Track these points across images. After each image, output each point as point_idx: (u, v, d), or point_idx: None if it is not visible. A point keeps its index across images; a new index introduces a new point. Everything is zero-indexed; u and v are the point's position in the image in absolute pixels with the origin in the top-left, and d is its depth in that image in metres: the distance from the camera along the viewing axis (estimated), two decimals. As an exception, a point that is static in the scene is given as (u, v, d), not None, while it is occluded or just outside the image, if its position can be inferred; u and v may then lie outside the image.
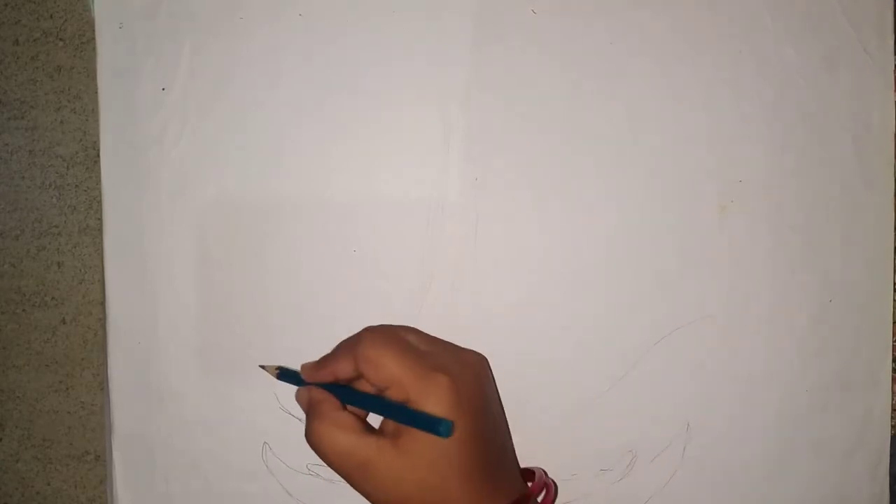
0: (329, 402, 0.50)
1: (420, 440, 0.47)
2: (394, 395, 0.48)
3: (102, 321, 0.57)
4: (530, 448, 0.56)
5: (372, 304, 0.56)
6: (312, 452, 0.54)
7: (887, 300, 0.56)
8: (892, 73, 0.55)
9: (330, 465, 0.49)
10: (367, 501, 0.49)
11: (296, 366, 0.54)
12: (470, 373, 0.50)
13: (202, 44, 0.56)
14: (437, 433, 0.46)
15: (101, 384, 0.58)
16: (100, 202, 0.56)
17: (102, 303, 0.56)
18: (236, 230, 0.56)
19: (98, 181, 0.56)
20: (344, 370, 0.49)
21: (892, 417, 0.56)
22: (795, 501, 0.57)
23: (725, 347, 0.56)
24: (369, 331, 0.50)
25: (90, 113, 0.58)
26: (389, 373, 0.47)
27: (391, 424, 0.48)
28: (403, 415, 0.47)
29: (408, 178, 0.56)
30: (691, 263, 0.56)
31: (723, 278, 0.56)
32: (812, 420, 0.57)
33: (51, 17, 0.58)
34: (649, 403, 0.56)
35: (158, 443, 0.57)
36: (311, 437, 0.49)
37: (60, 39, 0.58)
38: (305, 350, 0.55)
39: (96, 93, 0.56)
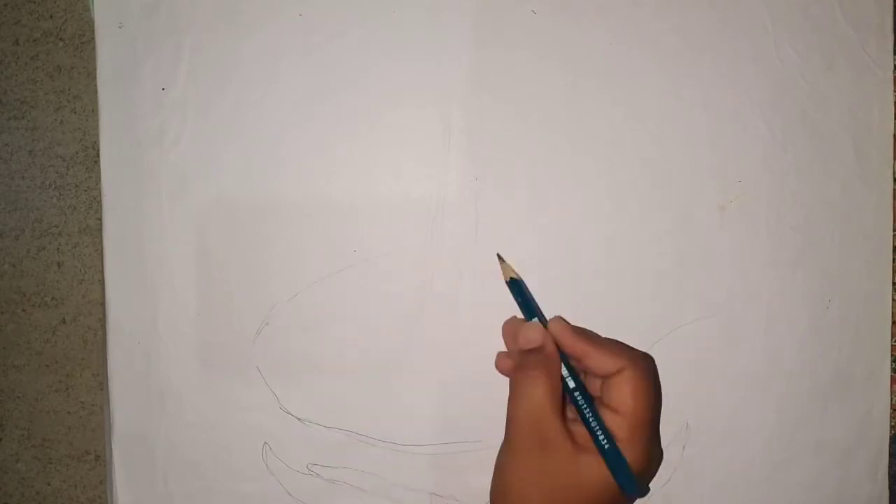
0: (557, 365, 0.49)
1: (596, 470, 0.47)
2: (610, 423, 0.48)
3: (102, 321, 0.57)
4: None
5: (372, 304, 0.56)
6: (312, 452, 0.55)
7: (886, 300, 0.57)
8: (892, 73, 0.55)
9: (515, 411, 0.49)
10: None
11: (304, 375, 0.55)
12: (654, 470, 0.51)
13: (202, 44, 0.56)
14: (622, 488, 0.46)
15: (101, 384, 0.58)
16: (100, 202, 0.56)
17: (102, 303, 0.56)
18: (236, 230, 0.56)
19: (98, 181, 0.56)
20: (599, 363, 0.49)
21: (891, 417, 0.57)
22: (795, 501, 0.57)
23: (725, 347, 0.56)
24: (653, 363, 0.50)
25: (90, 113, 0.58)
26: (630, 413, 0.47)
27: (587, 437, 0.48)
28: (611, 452, 0.47)
29: (408, 177, 0.56)
30: (691, 263, 0.56)
31: (723, 278, 0.56)
32: (812, 420, 0.57)
33: (51, 17, 0.58)
34: None
35: (158, 443, 0.57)
36: (523, 375, 0.49)
37: (60, 39, 0.58)
38: (306, 350, 0.56)
39: (96, 93, 0.56)
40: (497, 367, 0.53)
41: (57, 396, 0.59)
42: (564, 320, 0.51)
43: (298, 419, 0.56)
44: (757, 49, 0.56)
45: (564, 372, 0.49)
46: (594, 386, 0.50)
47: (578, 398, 0.49)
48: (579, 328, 0.51)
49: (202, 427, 0.57)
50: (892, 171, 0.56)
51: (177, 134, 0.56)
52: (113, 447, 0.57)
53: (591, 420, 0.48)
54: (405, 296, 0.56)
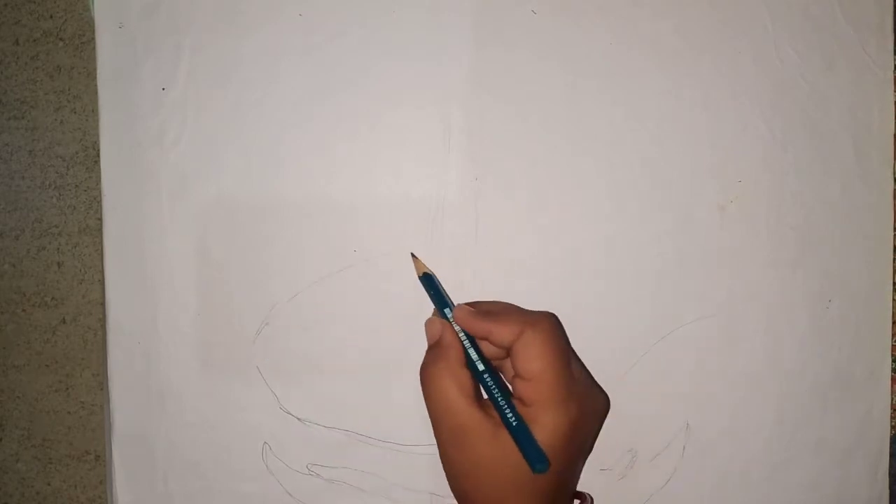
0: (457, 352, 0.50)
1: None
2: (522, 391, 0.47)
3: (102, 321, 0.57)
4: None
5: (372, 304, 0.56)
6: (312, 452, 0.55)
7: (886, 300, 0.56)
8: (892, 73, 0.55)
9: (428, 408, 0.49)
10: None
11: (304, 375, 0.55)
12: (593, 418, 0.51)
13: (202, 44, 0.56)
14: (530, 465, 0.46)
15: (101, 384, 0.58)
16: (100, 202, 0.56)
17: (102, 303, 0.56)
18: (236, 230, 0.56)
19: (98, 181, 0.56)
20: (499, 337, 0.49)
21: (892, 417, 0.57)
22: (795, 501, 0.57)
23: (725, 347, 0.56)
24: (548, 321, 0.49)
25: (90, 113, 0.58)
26: (536, 376, 0.47)
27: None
28: (517, 428, 0.47)
29: (408, 177, 0.56)
30: (691, 263, 0.56)
31: (722, 278, 0.56)
32: (812, 420, 0.57)
33: (51, 17, 0.58)
34: (649, 403, 0.56)
35: (158, 443, 0.57)
36: (425, 373, 0.49)
37: (60, 39, 0.58)
38: (306, 350, 0.56)
39: (96, 93, 0.56)
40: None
41: (57, 396, 0.59)
42: (468, 306, 0.51)
43: (298, 419, 0.56)
44: (757, 49, 0.56)
45: (474, 356, 0.49)
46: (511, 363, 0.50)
47: (483, 378, 0.49)
48: (483, 308, 0.51)
49: (202, 427, 0.57)
50: (892, 171, 0.56)
51: (177, 134, 0.56)
52: (113, 447, 0.57)
53: (491, 397, 0.48)
54: (405, 296, 0.56)
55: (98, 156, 0.56)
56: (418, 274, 0.54)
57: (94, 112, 0.56)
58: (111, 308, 0.57)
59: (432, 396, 0.48)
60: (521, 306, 0.53)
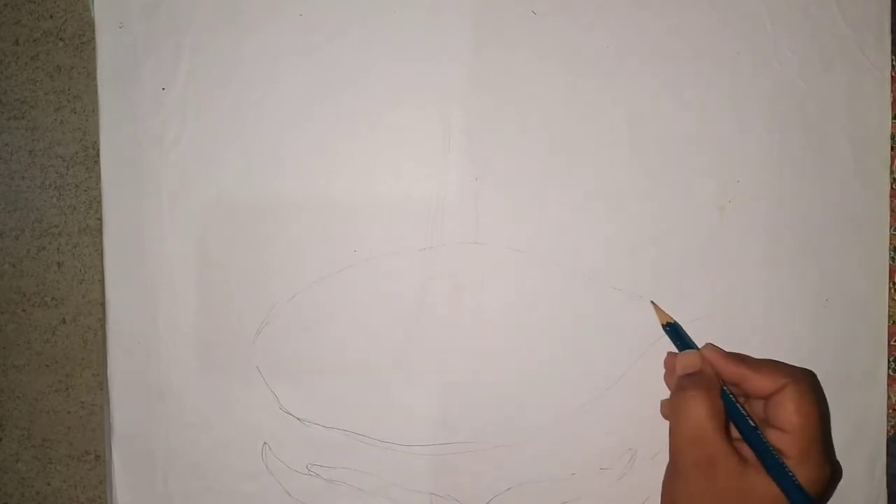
0: (717, 385, 0.49)
1: (764, 487, 0.46)
2: (776, 442, 0.47)
3: (102, 321, 0.56)
4: (531, 448, 0.56)
5: (372, 304, 0.56)
6: (312, 452, 0.55)
7: (883, 300, 0.56)
8: (889, 73, 0.55)
9: (677, 433, 0.49)
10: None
11: (304, 375, 0.55)
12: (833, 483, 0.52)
13: (202, 44, 0.56)
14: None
15: (101, 384, 0.58)
16: (100, 202, 0.55)
17: (102, 303, 0.56)
18: (236, 230, 0.56)
19: (98, 181, 0.56)
20: (757, 385, 0.49)
21: (890, 417, 0.57)
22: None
23: (723, 346, 0.55)
24: (813, 378, 0.50)
25: (90, 113, 0.57)
26: (797, 430, 0.47)
27: (752, 454, 0.48)
28: (778, 468, 0.47)
29: (408, 177, 0.56)
30: (690, 263, 0.56)
31: (721, 278, 0.56)
32: None
33: (51, 17, 0.57)
34: (649, 402, 0.56)
35: (158, 443, 0.56)
36: (681, 397, 0.49)
37: (60, 39, 0.57)
38: (306, 350, 0.56)
39: (96, 93, 0.56)
40: (662, 412, 0.53)
41: (57, 396, 0.59)
42: (716, 347, 0.51)
43: (298, 419, 0.56)
44: (756, 50, 0.56)
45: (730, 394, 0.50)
46: (755, 409, 0.50)
47: (741, 418, 0.49)
48: (732, 353, 0.51)
49: (202, 427, 0.56)
50: (888, 171, 0.55)
51: (177, 134, 0.56)
52: (113, 447, 0.57)
53: (756, 439, 0.48)
54: (405, 296, 0.55)
55: (98, 156, 0.55)
56: (662, 323, 0.54)
57: (94, 112, 0.56)
58: (111, 308, 0.56)
59: (688, 420, 0.48)
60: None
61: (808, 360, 0.56)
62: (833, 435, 0.56)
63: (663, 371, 0.55)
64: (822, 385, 0.56)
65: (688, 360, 0.51)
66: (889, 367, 0.56)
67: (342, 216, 0.56)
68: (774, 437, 0.47)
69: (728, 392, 0.49)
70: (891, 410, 0.56)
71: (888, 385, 0.56)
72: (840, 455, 0.56)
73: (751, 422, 0.49)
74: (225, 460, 0.57)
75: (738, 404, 0.49)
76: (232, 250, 0.56)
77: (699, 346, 0.52)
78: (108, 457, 0.57)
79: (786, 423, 0.47)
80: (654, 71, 0.55)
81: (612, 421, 0.56)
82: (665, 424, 0.54)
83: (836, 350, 0.56)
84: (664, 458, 0.55)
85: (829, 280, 0.56)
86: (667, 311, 0.54)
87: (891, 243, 0.56)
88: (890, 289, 0.56)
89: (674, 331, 0.53)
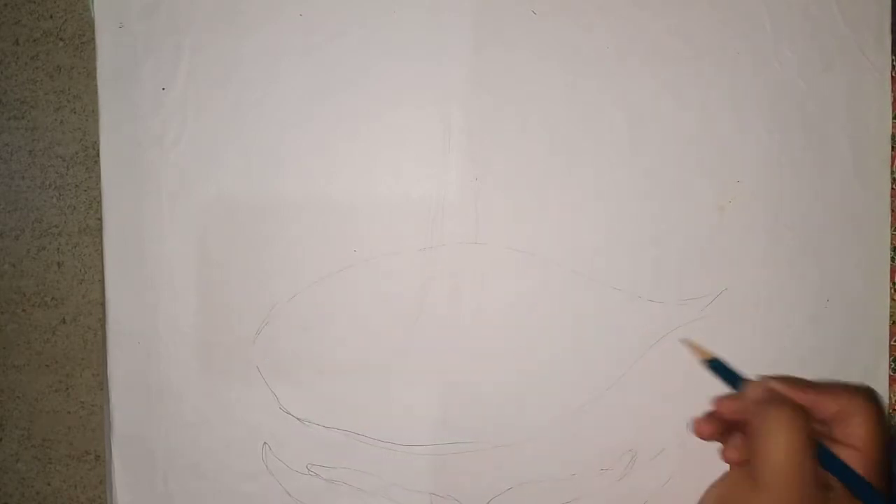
0: (801, 409, 0.49)
1: None
2: (851, 461, 0.47)
3: (102, 321, 0.56)
4: (531, 448, 0.56)
5: (372, 304, 0.56)
6: (312, 452, 0.55)
7: (884, 299, 0.56)
8: (889, 74, 0.55)
9: (773, 446, 0.47)
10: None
11: (304, 375, 0.55)
12: None
13: (202, 43, 0.56)
14: None
15: (101, 384, 0.57)
16: (100, 202, 0.55)
17: (102, 303, 0.56)
18: (236, 230, 0.56)
19: (98, 181, 0.56)
20: (824, 406, 0.48)
21: (891, 417, 0.56)
22: None
23: (723, 346, 0.55)
24: (870, 391, 0.49)
25: (90, 113, 0.57)
26: (865, 445, 0.47)
27: (828, 478, 0.48)
28: (864, 487, 0.47)
29: (408, 177, 0.56)
30: (690, 263, 0.55)
31: (721, 278, 0.55)
32: None
33: (51, 17, 0.57)
34: (648, 402, 0.56)
35: (158, 443, 0.56)
36: (780, 413, 0.47)
37: (60, 39, 0.57)
38: (306, 350, 0.55)
39: (96, 93, 0.55)
40: (699, 432, 0.52)
41: (57, 396, 0.59)
42: (771, 377, 0.51)
43: (298, 419, 0.56)
44: (756, 50, 0.55)
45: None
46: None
47: (819, 442, 0.48)
48: (788, 378, 0.51)
49: (202, 427, 0.56)
50: (889, 171, 0.55)
51: (177, 134, 0.56)
52: (113, 447, 0.57)
53: (838, 462, 0.47)
54: (405, 296, 0.55)
55: (98, 156, 0.55)
56: (702, 359, 0.53)
57: (94, 112, 0.56)
58: (111, 308, 0.56)
59: (787, 437, 0.47)
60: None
61: (809, 360, 0.56)
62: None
63: (663, 372, 0.56)
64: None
65: (768, 386, 0.50)
66: (890, 367, 0.56)
67: (342, 216, 0.56)
68: (848, 457, 0.47)
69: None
70: (891, 410, 0.56)
71: (889, 385, 0.56)
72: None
73: (827, 447, 0.48)
74: (225, 460, 0.56)
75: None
76: (232, 250, 0.56)
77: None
78: (108, 457, 0.57)
79: (858, 440, 0.47)
80: (654, 71, 0.55)
81: (613, 421, 0.56)
82: (664, 425, 0.55)
83: (836, 350, 0.56)
84: (664, 460, 0.56)
85: (830, 280, 0.56)
86: (706, 348, 0.54)
87: (891, 243, 0.55)
88: (891, 289, 0.56)
89: (719, 366, 0.53)
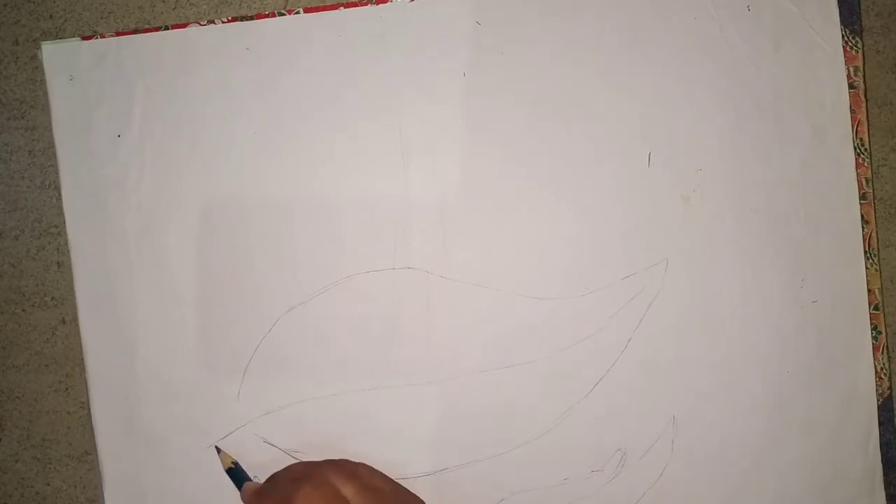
0: None
1: None
2: None
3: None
4: (521, 458, 0.56)
5: (346, 328, 0.56)
6: None
7: (860, 270, 0.55)
8: (840, 45, 0.55)
9: None
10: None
11: (286, 408, 0.56)
12: None
13: (153, 87, 0.57)
14: None
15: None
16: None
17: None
18: (202, 269, 0.57)
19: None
20: None
21: (879, 385, 0.56)
22: (788, 483, 0.55)
23: (702, 337, 0.55)
24: (308, 484, 0.50)
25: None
26: None
27: None
28: None
29: (370, 199, 0.56)
30: (660, 256, 0.55)
31: (694, 269, 0.55)
32: (797, 401, 0.55)
33: (51, 17, 0.59)
34: (633, 401, 0.55)
35: (150, 486, 0.57)
36: None
37: (60, 39, 0.58)
38: (284, 387, 0.56)
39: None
40: None
41: (57, 396, 0.59)
42: (253, 484, 0.54)
43: (282, 451, 0.56)
44: (704, 37, 0.56)
45: None
46: None
47: None
48: (265, 483, 0.52)
49: (190, 467, 0.57)
50: (851, 143, 0.55)
51: (136, 178, 0.57)
52: (105, 491, 0.57)
53: None
54: (380, 317, 0.56)
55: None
56: (224, 468, 0.55)
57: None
58: (88, 355, 0.58)
59: None
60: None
61: (792, 341, 0.55)
62: (824, 412, 0.55)
63: (645, 368, 0.55)
64: (807, 364, 0.55)
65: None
66: (871, 336, 0.55)
67: (310, 244, 0.56)
68: None
69: None
70: (877, 379, 0.56)
71: (875, 353, 0.55)
72: (832, 432, 0.55)
73: None
74: (217, 497, 0.56)
75: None
76: (202, 289, 0.57)
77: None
78: (100, 497, 0.57)
79: None
80: (605, 70, 0.56)
81: (599, 423, 0.55)
82: (651, 422, 0.55)
83: (818, 328, 0.55)
84: (654, 456, 0.55)
85: (804, 258, 0.55)
86: (230, 454, 0.56)
87: (861, 212, 0.55)
88: (864, 258, 0.55)
89: (235, 474, 0.55)
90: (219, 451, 0.55)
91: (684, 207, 0.55)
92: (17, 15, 0.59)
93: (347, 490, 0.49)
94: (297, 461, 0.55)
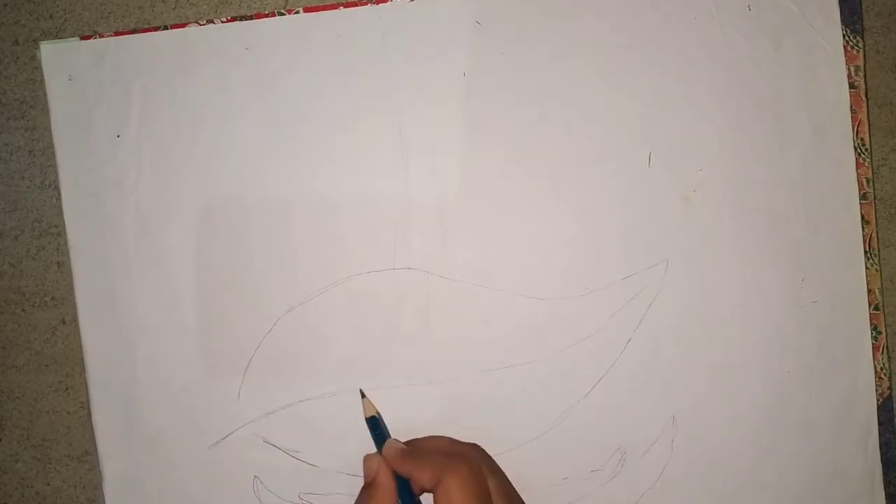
0: (387, 495, 0.50)
1: None
2: None
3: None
4: (520, 457, 0.55)
5: (346, 328, 0.56)
6: (303, 482, 0.55)
7: (860, 269, 0.55)
8: (841, 44, 0.55)
9: None
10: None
11: (288, 407, 0.55)
12: None
13: (151, 87, 0.57)
14: None
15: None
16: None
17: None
18: (202, 269, 0.56)
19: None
20: (420, 481, 0.49)
21: (879, 385, 0.56)
22: (788, 482, 0.55)
23: (702, 337, 0.55)
24: (466, 466, 0.49)
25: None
26: None
27: None
28: None
29: (370, 198, 0.56)
30: (660, 256, 0.55)
31: (694, 268, 0.55)
32: (797, 400, 0.55)
33: (50, 17, 0.59)
34: (633, 400, 0.55)
35: (151, 487, 0.57)
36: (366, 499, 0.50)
37: (60, 39, 0.58)
38: (285, 387, 0.56)
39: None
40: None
41: (57, 396, 0.59)
42: (397, 442, 0.52)
43: (284, 451, 0.56)
44: (704, 37, 0.55)
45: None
46: None
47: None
48: (414, 446, 0.52)
49: (191, 469, 0.56)
50: (851, 142, 0.55)
51: (135, 178, 0.57)
52: (105, 493, 0.57)
53: None
54: (380, 317, 0.56)
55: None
56: (366, 415, 0.54)
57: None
58: (89, 357, 0.57)
59: None
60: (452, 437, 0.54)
61: (792, 341, 0.55)
62: (823, 412, 0.55)
63: (645, 368, 0.55)
64: (807, 364, 0.55)
65: (367, 467, 0.51)
66: (871, 336, 0.55)
67: (310, 244, 0.56)
68: None
69: (412, 496, 0.50)
70: (876, 379, 0.56)
71: (876, 353, 0.55)
72: (832, 432, 0.55)
73: None
74: (217, 499, 0.56)
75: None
76: (202, 290, 0.57)
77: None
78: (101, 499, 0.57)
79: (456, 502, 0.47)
80: (606, 71, 0.55)
81: (599, 422, 0.55)
82: (651, 421, 0.54)
83: (818, 328, 0.55)
84: (654, 456, 0.55)
85: (804, 258, 0.55)
86: (374, 403, 0.55)
87: (861, 212, 0.55)
88: (864, 257, 0.55)
89: (374, 424, 0.54)
90: (363, 395, 0.55)
91: (684, 207, 0.55)
92: (17, 15, 0.58)
93: (492, 483, 0.49)
94: (303, 462, 0.56)
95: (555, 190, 0.55)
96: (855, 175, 0.55)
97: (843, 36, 0.55)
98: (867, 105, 0.55)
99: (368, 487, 0.50)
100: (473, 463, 0.49)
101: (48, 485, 0.59)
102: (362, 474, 0.51)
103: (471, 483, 0.47)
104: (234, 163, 0.56)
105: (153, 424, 0.56)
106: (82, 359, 0.57)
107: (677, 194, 0.55)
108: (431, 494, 0.48)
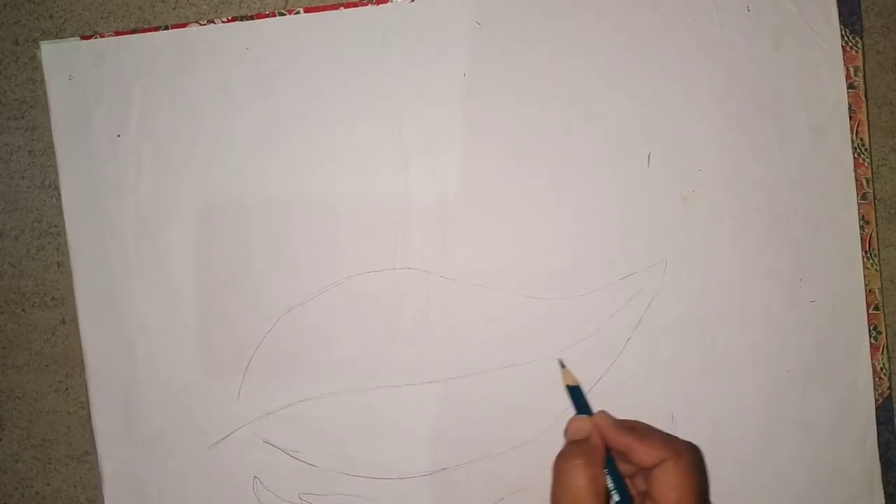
0: (600, 455, 0.50)
1: None
2: None
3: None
4: (519, 458, 0.55)
5: (347, 328, 0.56)
6: (303, 482, 0.55)
7: (858, 270, 0.55)
8: (840, 45, 0.54)
9: (556, 495, 0.49)
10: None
11: (287, 406, 0.55)
12: None
13: (152, 86, 0.57)
14: None
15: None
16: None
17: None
18: (202, 269, 0.56)
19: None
20: (640, 457, 0.49)
21: (878, 385, 0.55)
22: (787, 482, 0.55)
23: (702, 337, 0.55)
24: (692, 454, 0.49)
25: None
26: (672, 502, 0.47)
27: None
28: None
29: (371, 199, 0.56)
30: (660, 256, 0.55)
31: (693, 268, 0.55)
32: (796, 400, 0.55)
33: (50, 17, 0.59)
34: (632, 400, 0.55)
35: (150, 487, 0.57)
36: (565, 463, 0.50)
37: (60, 39, 0.58)
38: (285, 386, 0.56)
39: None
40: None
41: (57, 396, 0.58)
42: (608, 414, 0.52)
43: (283, 451, 0.55)
44: (704, 37, 0.55)
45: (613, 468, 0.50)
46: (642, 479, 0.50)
47: (621, 489, 0.49)
48: (623, 421, 0.51)
49: (191, 469, 0.56)
50: (850, 143, 0.54)
51: (135, 178, 0.57)
52: (105, 493, 0.57)
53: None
54: (380, 317, 0.56)
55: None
56: (567, 383, 0.54)
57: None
58: (88, 357, 0.57)
59: (566, 487, 0.49)
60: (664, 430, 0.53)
61: (790, 342, 0.55)
62: (822, 411, 0.54)
63: (644, 367, 0.55)
64: (805, 364, 0.54)
65: (579, 425, 0.51)
66: (870, 336, 0.55)
67: (310, 244, 0.56)
68: None
69: (614, 462, 0.50)
70: (876, 379, 0.56)
71: (875, 353, 0.55)
72: (830, 431, 0.55)
73: (629, 493, 0.49)
74: (217, 499, 0.56)
75: (619, 476, 0.50)
76: (202, 290, 0.56)
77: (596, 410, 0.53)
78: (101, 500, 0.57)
79: (662, 496, 0.47)
80: (606, 71, 0.55)
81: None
82: (652, 419, 0.53)
83: (817, 327, 0.55)
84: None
85: (803, 258, 0.55)
86: (574, 373, 0.54)
87: (859, 213, 0.55)
88: (863, 258, 0.55)
89: (576, 394, 0.53)
90: (563, 365, 0.54)
91: (684, 207, 0.55)
92: (17, 15, 0.58)
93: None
94: (303, 462, 0.56)
95: (555, 190, 0.55)
96: (854, 175, 0.55)
97: (842, 36, 0.54)
98: (866, 105, 0.55)
99: (580, 444, 0.50)
100: (698, 455, 0.49)
101: (48, 485, 0.59)
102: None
103: (693, 474, 0.48)
104: (234, 163, 0.56)
105: (153, 424, 0.56)
106: (82, 359, 0.57)
107: (677, 194, 0.55)
108: (635, 474, 0.50)
